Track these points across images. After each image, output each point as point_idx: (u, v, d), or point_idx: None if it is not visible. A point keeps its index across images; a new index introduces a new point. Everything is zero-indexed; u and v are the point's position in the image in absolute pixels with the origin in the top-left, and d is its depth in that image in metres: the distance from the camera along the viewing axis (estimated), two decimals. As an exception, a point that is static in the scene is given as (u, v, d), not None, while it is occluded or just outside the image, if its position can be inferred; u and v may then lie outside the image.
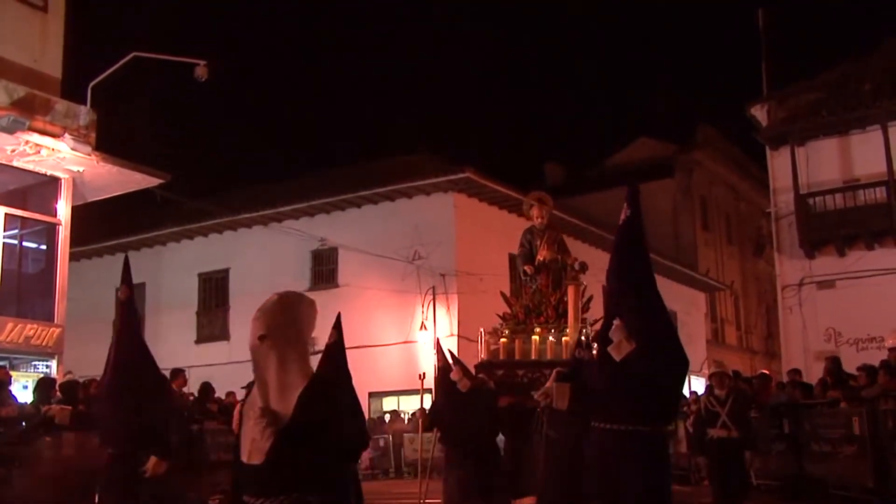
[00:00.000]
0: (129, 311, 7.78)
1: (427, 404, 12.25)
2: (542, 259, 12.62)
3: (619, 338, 5.14)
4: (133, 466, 7.15)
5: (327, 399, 3.74)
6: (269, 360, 3.70)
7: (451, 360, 9.80)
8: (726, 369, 10.54)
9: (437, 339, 11.51)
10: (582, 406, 5.55)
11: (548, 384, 5.77)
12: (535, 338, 12.14)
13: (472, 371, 10.67)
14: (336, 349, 6.18)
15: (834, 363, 14.36)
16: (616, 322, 5.17)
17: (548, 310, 12.33)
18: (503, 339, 12.25)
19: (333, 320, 5.77)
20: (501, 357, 11.99)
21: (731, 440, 9.69)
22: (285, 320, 3.77)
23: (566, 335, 11.75)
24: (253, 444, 3.65)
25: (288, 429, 3.59)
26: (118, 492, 7.21)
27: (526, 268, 12.73)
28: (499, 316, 12.96)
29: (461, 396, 9.48)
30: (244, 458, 3.71)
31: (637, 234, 5.52)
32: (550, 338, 11.84)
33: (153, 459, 7.19)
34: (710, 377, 10.50)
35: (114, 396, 7.44)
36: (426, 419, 10.64)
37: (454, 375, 9.62)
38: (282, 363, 3.69)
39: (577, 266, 12.32)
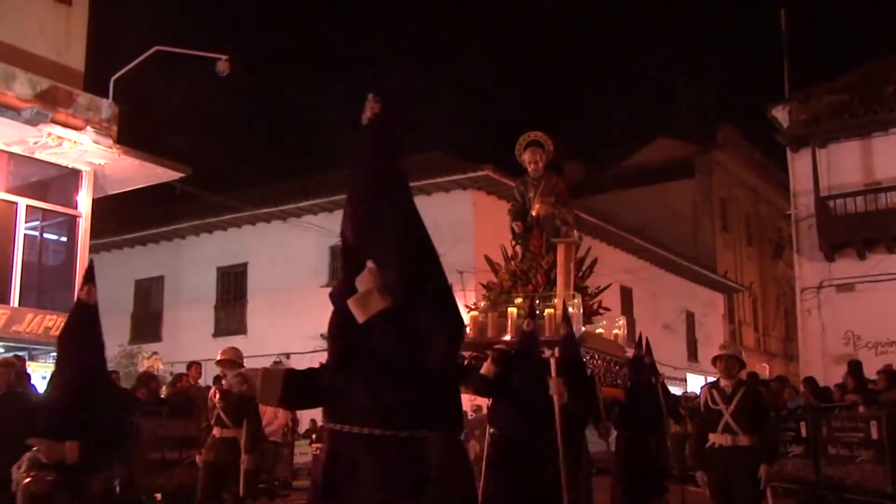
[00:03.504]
0: None
1: None
2: (534, 214, 10.37)
3: (369, 286, 3.41)
4: None
5: None
6: None
7: None
8: (738, 352, 7.75)
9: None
10: (308, 401, 3.76)
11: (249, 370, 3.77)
12: (513, 310, 9.32)
13: None
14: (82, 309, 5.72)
15: (855, 366, 14.26)
16: (370, 265, 3.45)
17: (538, 275, 10.02)
18: (474, 313, 9.59)
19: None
20: (471, 335, 8.90)
21: (738, 449, 7.26)
22: None
23: (552, 306, 9.26)
24: None
25: None
26: None
27: (514, 225, 10.55)
28: (482, 285, 10.72)
29: None
30: None
31: (393, 137, 3.82)
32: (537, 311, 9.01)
33: None
34: (713, 361, 7.66)
35: None
36: None
37: None
38: None
39: (569, 220, 10.29)
